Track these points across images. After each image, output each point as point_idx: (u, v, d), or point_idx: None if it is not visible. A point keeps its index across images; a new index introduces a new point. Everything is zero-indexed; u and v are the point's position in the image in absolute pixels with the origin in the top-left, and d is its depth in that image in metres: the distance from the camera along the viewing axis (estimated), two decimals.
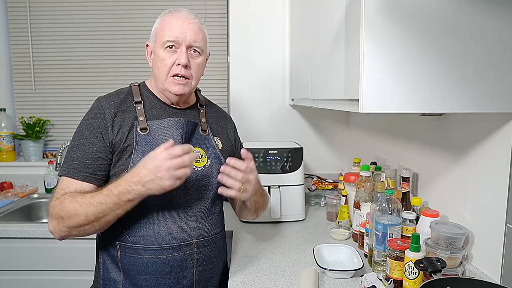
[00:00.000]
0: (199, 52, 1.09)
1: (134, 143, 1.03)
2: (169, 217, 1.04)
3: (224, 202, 1.23)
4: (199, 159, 1.10)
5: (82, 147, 1.02)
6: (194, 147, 1.11)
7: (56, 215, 0.96)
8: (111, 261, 1.06)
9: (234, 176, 1.02)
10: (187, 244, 1.05)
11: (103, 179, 1.04)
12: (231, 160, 1.03)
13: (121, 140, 1.03)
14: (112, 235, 1.05)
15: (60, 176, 1.02)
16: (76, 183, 1.00)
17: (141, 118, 1.06)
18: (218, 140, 1.19)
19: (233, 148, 1.25)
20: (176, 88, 1.07)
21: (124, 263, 1.04)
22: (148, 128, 1.06)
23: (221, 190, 1.04)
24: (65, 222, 0.95)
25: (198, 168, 1.09)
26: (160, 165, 0.90)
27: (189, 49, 1.07)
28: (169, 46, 1.05)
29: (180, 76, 1.06)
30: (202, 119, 1.18)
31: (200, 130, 1.15)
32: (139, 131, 1.05)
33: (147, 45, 1.14)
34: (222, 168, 1.03)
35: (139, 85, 1.15)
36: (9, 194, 2.06)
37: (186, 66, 1.06)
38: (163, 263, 1.03)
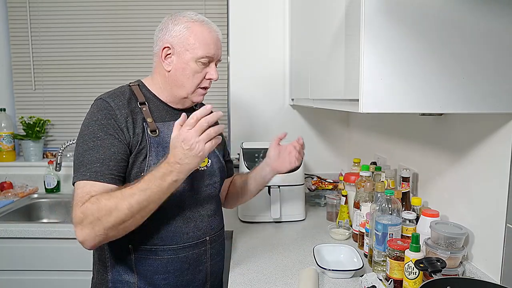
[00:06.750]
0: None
1: (148, 145, 1.02)
2: (185, 217, 1.07)
3: None
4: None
5: (99, 148, 0.96)
6: None
7: (90, 219, 0.89)
8: (122, 263, 1.05)
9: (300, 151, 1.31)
10: (203, 241, 1.10)
11: (123, 181, 1.00)
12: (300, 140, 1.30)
13: (137, 141, 1.00)
14: (122, 239, 0.98)
15: (79, 181, 0.95)
16: (100, 186, 0.94)
17: (149, 120, 1.04)
18: None
19: (223, 141, 1.23)
20: (200, 98, 1.12)
21: (138, 265, 1.04)
22: (157, 130, 1.05)
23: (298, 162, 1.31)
24: (103, 222, 0.89)
25: (202, 168, 1.12)
26: (185, 137, 0.88)
27: (217, 63, 1.13)
28: (202, 62, 1.07)
29: (207, 89, 1.12)
30: None
31: None
32: (149, 133, 1.03)
33: (168, 47, 1.05)
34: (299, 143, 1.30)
35: (138, 85, 1.11)
36: (9, 194, 2.05)
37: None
38: (181, 261, 1.06)
